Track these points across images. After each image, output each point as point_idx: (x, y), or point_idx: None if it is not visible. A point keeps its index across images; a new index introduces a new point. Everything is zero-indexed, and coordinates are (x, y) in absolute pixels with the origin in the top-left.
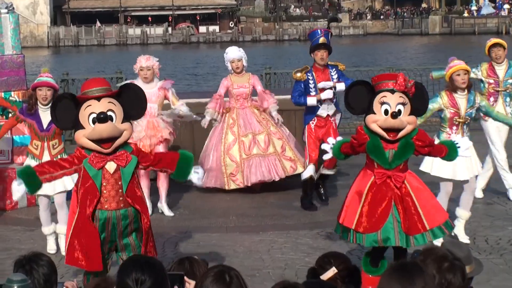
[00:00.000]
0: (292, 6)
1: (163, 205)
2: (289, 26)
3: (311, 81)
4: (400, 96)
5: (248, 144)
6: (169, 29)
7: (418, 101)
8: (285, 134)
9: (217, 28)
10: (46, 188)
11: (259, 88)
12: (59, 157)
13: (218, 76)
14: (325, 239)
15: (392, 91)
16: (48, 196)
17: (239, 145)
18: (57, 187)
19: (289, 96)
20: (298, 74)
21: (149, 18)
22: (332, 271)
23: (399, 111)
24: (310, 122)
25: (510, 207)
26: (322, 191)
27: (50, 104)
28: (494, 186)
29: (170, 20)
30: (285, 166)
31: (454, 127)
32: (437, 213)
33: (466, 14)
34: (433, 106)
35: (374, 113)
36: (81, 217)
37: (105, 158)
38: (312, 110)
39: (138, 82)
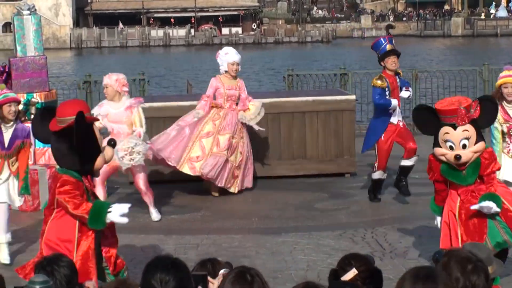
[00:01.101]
0: (315, 8)
1: (151, 211)
2: (312, 28)
3: (386, 88)
4: (464, 130)
5: (222, 143)
6: (192, 30)
7: (484, 117)
8: (247, 150)
9: (239, 29)
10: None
11: (244, 94)
12: (16, 177)
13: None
14: (347, 240)
15: (454, 127)
16: None
17: (213, 139)
18: (1, 197)
19: (310, 98)
20: (379, 82)
21: (172, 20)
22: (352, 272)
23: (464, 146)
24: (382, 136)
25: None
26: (404, 184)
27: (13, 121)
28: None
29: (193, 21)
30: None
31: None
32: None
33: (482, 16)
34: (496, 128)
35: (440, 146)
36: None
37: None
38: (383, 119)
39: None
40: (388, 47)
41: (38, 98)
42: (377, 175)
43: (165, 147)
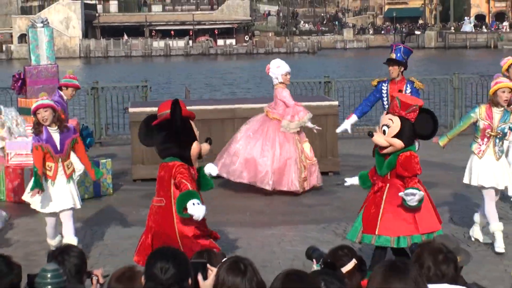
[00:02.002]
0: (302, 22)
1: None
2: (299, 40)
3: (384, 90)
4: (389, 118)
5: (309, 152)
6: (190, 42)
7: (419, 126)
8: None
9: (233, 41)
10: (52, 206)
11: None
12: (73, 176)
13: (231, 86)
14: (330, 233)
15: (388, 112)
16: (55, 214)
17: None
18: (66, 203)
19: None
20: (373, 82)
21: (172, 32)
22: (352, 263)
23: (384, 132)
24: None
25: (496, 203)
26: None
27: (58, 125)
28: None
29: (191, 34)
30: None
31: (485, 139)
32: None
33: (453, 30)
34: (470, 116)
35: None
36: None
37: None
38: None
39: None
40: (391, 55)
41: None
42: None
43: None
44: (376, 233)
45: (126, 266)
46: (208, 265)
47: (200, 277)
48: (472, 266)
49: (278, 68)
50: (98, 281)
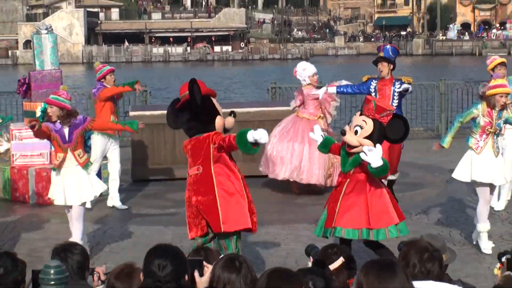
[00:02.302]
0: (295, 29)
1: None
2: (292, 47)
3: (372, 87)
4: (363, 120)
5: None
6: (188, 48)
7: (391, 130)
8: None
9: (229, 48)
10: (61, 199)
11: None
12: (89, 165)
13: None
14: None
15: (361, 113)
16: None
17: None
18: (74, 200)
19: (290, 107)
20: (364, 78)
21: (171, 39)
22: (340, 261)
23: (356, 132)
24: None
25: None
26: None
27: (63, 122)
28: (467, 187)
29: (189, 40)
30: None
31: (484, 135)
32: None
33: (440, 38)
34: (472, 111)
35: None
36: None
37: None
38: None
39: None
40: (380, 54)
41: None
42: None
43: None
44: (333, 225)
45: (126, 263)
46: (204, 263)
47: (196, 274)
48: (457, 264)
49: (304, 71)
50: (99, 277)
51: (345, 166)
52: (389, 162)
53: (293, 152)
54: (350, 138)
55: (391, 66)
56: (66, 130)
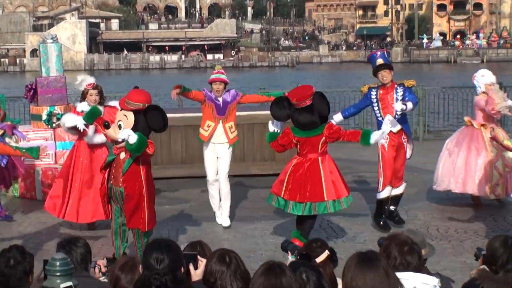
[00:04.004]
0: (282, 39)
1: None
2: (280, 55)
3: (373, 97)
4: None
5: (508, 158)
6: (183, 56)
7: (320, 107)
8: None
9: (221, 55)
10: None
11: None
12: None
13: None
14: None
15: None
16: None
17: (502, 158)
18: None
19: None
20: (363, 88)
21: (166, 48)
22: (325, 254)
23: None
24: (384, 142)
25: (457, 202)
26: (397, 213)
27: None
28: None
29: (184, 49)
30: None
31: None
32: (338, 189)
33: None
34: None
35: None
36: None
37: (120, 150)
38: (378, 125)
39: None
40: (379, 61)
41: (58, 110)
42: (384, 193)
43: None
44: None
45: (129, 256)
46: (199, 256)
47: (191, 267)
48: (435, 258)
49: (482, 77)
50: (100, 270)
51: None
52: (394, 171)
53: (461, 163)
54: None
55: (392, 72)
56: None
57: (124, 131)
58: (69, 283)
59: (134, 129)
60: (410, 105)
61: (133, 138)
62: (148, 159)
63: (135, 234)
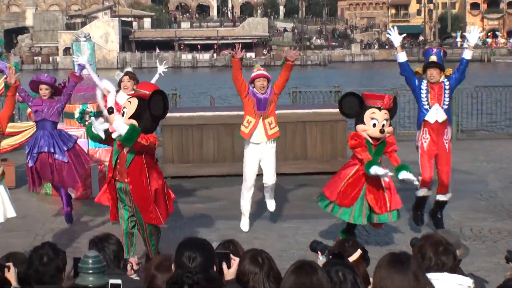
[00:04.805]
0: (314, 37)
1: None
2: (312, 54)
3: (423, 90)
4: (385, 113)
5: None
6: (215, 55)
7: (393, 112)
8: None
9: (253, 54)
10: None
11: None
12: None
13: None
14: (339, 227)
15: (380, 109)
16: None
17: None
18: None
19: (310, 110)
20: (418, 69)
21: (199, 46)
22: (358, 253)
23: (383, 125)
24: (423, 140)
25: (490, 202)
26: (440, 218)
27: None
28: (477, 185)
29: (215, 48)
30: None
31: None
32: (397, 199)
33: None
34: None
35: (364, 124)
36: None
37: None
38: (420, 112)
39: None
40: (432, 58)
41: (91, 108)
42: (420, 192)
43: None
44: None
45: (164, 255)
46: (232, 255)
47: (224, 265)
48: (468, 258)
49: None
50: (132, 267)
51: (374, 155)
52: (439, 172)
53: None
54: (386, 134)
55: (442, 74)
56: None
57: (116, 121)
58: (118, 281)
59: (136, 115)
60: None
61: (122, 127)
62: (152, 152)
63: (147, 232)
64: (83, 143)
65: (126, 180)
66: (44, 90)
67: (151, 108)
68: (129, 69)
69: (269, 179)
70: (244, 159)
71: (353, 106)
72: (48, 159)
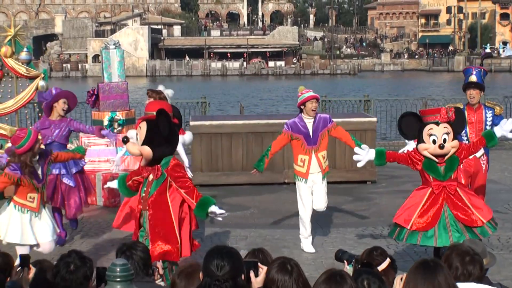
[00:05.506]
0: (344, 46)
1: None
2: (341, 63)
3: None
4: (444, 127)
5: None
6: (244, 63)
7: (457, 124)
8: None
9: (283, 63)
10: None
11: None
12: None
13: (282, 103)
14: (367, 235)
15: (437, 123)
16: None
17: None
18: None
19: (339, 119)
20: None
21: (228, 54)
22: (387, 262)
23: (444, 140)
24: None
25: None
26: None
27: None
28: (505, 195)
29: (245, 56)
30: None
31: None
32: (485, 211)
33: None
34: None
35: (424, 142)
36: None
37: (149, 170)
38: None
39: None
40: (471, 78)
41: (120, 115)
42: None
43: None
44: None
45: (189, 262)
46: (259, 264)
47: (252, 274)
48: (495, 268)
49: None
50: (158, 272)
51: (445, 174)
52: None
53: None
54: (447, 149)
55: (482, 93)
56: (37, 166)
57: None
58: None
59: (148, 141)
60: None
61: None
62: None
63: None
64: (111, 151)
65: (147, 208)
66: (63, 104)
67: (161, 129)
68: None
69: (321, 205)
70: (299, 195)
71: (412, 126)
72: (55, 181)
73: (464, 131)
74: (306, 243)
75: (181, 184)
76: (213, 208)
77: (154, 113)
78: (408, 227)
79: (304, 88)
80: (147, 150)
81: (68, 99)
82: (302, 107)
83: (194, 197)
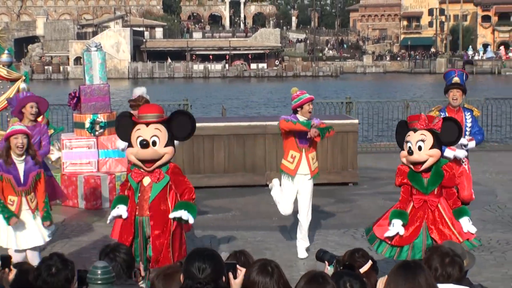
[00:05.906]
0: (326, 49)
1: None
2: (324, 65)
3: None
4: (421, 134)
5: None
6: (227, 65)
7: (445, 134)
8: None
9: (265, 65)
10: (20, 243)
11: None
12: (37, 211)
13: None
14: (349, 237)
15: (415, 130)
16: (23, 251)
17: None
18: (36, 241)
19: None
20: (432, 113)
21: (210, 57)
22: (369, 264)
23: (420, 148)
24: None
25: (499, 213)
26: None
27: (24, 154)
28: (486, 196)
29: (227, 58)
30: None
31: None
32: (467, 233)
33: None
34: None
35: (403, 150)
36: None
37: (142, 174)
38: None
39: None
40: (454, 80)
41: (101, 118)
42: None
43: None
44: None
45: (170, 265)
46: (238, 266)
47: (231, 276)
48: (476, 269)
49: None
50: (140, 274)
51: (427, 186)
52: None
53: None
54: (417, 156)
55: (464, 96)
56: (21, 169)
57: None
58: None
59: (170, 142)
60: (473, 144)
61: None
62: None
63: None
64: (93, 153)
65: (147, 213)
66: (35, 109)
67: (175, 131)
68: (138, 91)
69: (302, 215)
70: (282, 189)
71: (401, 133)
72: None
73: (463, 134)
74: (299, 248)
75: (181, 185)
76: (181, 213)
77: (163, 115)
78: (390, 242)
79: (297, 89)
80: (172, 150)
81: (37, 103)
82: (298, 109)
83: (186, 196)
